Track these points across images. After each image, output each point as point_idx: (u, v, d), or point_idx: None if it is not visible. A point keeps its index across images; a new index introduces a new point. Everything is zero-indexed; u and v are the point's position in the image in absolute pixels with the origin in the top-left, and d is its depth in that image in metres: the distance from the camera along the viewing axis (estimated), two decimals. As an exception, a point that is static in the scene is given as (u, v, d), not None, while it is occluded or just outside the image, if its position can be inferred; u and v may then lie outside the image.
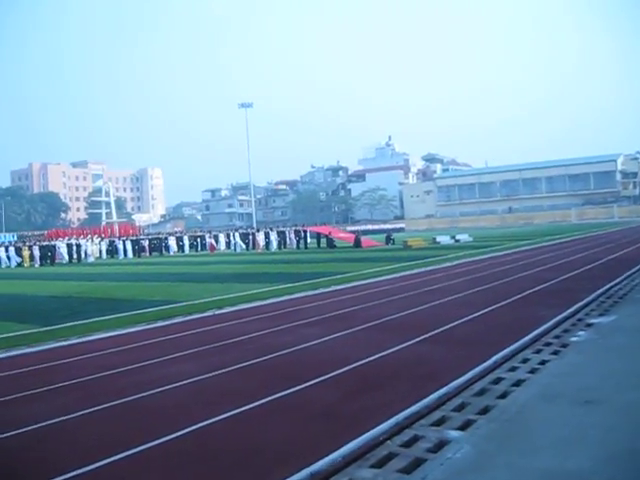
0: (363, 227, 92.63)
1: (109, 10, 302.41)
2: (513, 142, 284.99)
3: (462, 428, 5.28)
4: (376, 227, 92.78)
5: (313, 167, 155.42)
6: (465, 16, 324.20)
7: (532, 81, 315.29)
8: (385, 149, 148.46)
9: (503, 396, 6.09)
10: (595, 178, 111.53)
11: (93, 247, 52.11)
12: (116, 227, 73.27)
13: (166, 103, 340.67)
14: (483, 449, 4.76)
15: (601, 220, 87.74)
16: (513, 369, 7.11)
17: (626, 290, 12.88)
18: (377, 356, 8.28)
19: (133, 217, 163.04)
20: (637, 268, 17.09)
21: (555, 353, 7.72)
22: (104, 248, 53.46)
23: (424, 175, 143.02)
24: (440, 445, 4.96)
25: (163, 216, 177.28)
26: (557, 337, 8.69)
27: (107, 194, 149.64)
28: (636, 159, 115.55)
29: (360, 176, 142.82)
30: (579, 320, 9.83)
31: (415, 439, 5.14)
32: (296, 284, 18.82)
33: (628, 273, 15.92)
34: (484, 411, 5.69)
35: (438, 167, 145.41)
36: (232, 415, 6.12)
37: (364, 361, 8.04)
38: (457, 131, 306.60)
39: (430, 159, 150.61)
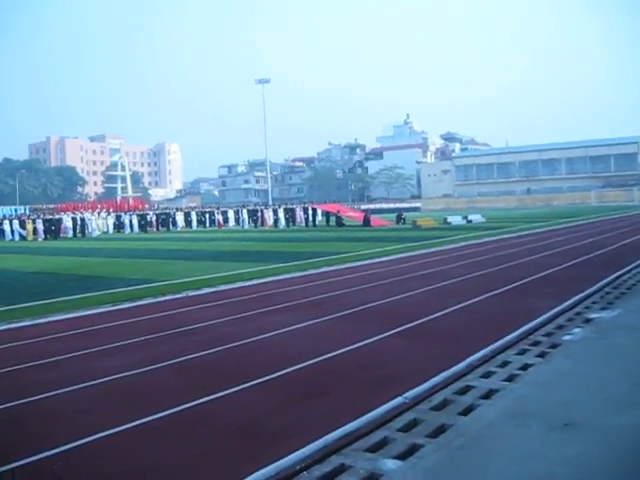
0: (378, 205, 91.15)
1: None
2: (534, 122, 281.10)
3: (403, 457, 4.19)
4: (392, 206, 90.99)
5: (330, 144, 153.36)
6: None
7: (554, 60, 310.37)
8: (403, 127, 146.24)
9: (466, 412, 4.99)
10: (616, 160, 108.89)
11: (99, 221, 51.27)
12: (130, 201, 72.67)
13: (184, 78, 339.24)
14: (419, 491, 3.68)
15: (621, 203, 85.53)
16: (488, 375, 6.00)
17: (636, 280, 11.65)
18: (337, 352, 7.20)
19: (149, 192, 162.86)
20: (651, 254, 15.83)
21: (541, 355, 6.58)
22: (111, 222, 52.61)
23: (442, 154, 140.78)
24: (368, 481, 3.89)
25: (179, 191, 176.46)
26: (548, 335, 7.54)
27: (123, 168, 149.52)
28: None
29: (377, 154, 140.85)
30: (577, 314, 8.67)
31: (339, 470, 4.06)
32: (288, 264, 17.76)
33: (641, 260, 14.68)
34: (437, 432, 4.59)
35: (457, 146, 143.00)
36: (135, 426, 5.08)
37: (320, 358, 6.96)
38: (477, 110, 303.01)
39: (449, 138, 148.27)
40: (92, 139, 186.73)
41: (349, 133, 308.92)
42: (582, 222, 37.19)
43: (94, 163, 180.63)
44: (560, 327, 7.91)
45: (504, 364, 6.34)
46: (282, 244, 28.04)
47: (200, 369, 6.88)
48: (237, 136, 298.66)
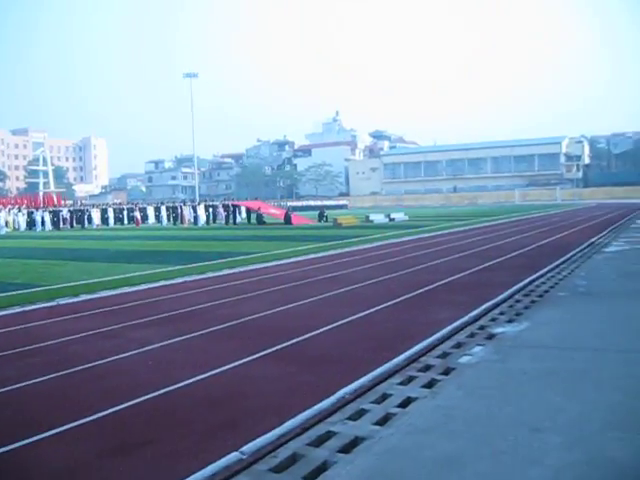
0: (305, 203, 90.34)
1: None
2: (462, 123, 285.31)
3: None
4: (319, 203, 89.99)
5: (259, 141, 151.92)
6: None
7: (483, 61, 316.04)
8: (332, 124, 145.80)
9: (314, 475, 3.81)
10: (540, 160, 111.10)
11: (9, 218, 48.62)
12: (53, 197, 69.49)
13: (112, 71, 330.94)
14: None
15: (544, 202, 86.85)
16: (359, 414, 4.82)
17: (549, 285, 10.75)
18: (190, 381, 5.92)
19: (74, 188, 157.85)
20: (568, 256, 15.09)
21: (430, 385, 5.47)
22: (22, 219, 49.90)
23: (371, 152, 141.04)
24: None
25: (105, 187, 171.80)
26: (444, 355, 6.45)
27: (45, 163, 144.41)
28: (580, 142, 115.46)
29: (306, 151, 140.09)
30: (481, 328, 7.62)
31: None
32: (188, 266, 16.37)
33: (557, 262, 13.88)
34: (267, 512, 3.39)
35: (385, 144, 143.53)
36: None
37: (165, 390, 5.68)
38: (406, 109, 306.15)
39: (378, 136, 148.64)
40: (14, 132, 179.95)
41: (278, 129, 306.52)
42: (503, 221, 36.89)
43: (16, 157, 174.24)
44: (459, 345, 6.83)
45: (383, 398, 5.19)
46: (193, 243, 26.57)
47: (12, 407, 5.51)
48: (165, 131, 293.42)
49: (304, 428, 4.59)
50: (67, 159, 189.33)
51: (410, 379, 5.67)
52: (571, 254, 15.55)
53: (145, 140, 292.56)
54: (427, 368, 6.00)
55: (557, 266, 13.36)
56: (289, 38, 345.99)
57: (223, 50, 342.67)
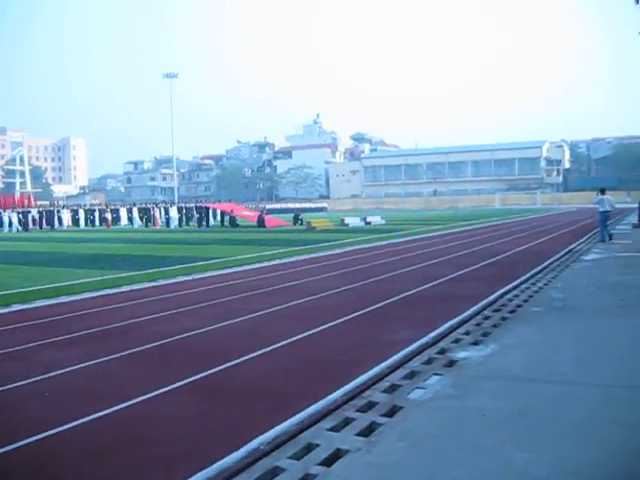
0: (284, 205, 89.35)
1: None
2: (443, 126, 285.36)
3: None
4: (297, 206, 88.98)
5: (239, 142, 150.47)
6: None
7: (464, 64, 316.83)
8: (313, 127, 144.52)
9: None
10: (520, 164, 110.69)
11: (-25, 219, 47.21)
12: (24, 198, 67.85)
13: (93, 71, 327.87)
14: None
15: (524, 206, 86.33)
16: (270, 475, 3.79)
17: (523, 298, 9.78)
18: (83, 420, 4.89)
19: (52, 188, 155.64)
20: (545, 265, 14.17)
21: (367, 431, 4.44)
22: (-10, 220, 48.45)
23: (352, 155, 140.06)
24: None
25: (83, 188, 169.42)
26: (392, 389, 5.43)
27: (22, 162, 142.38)
28: (561, 147, 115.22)
29: (286, 153, 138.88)
30: (441, 352, 6.61)
31: None
32: (141, 272, 15.27)
33: (533, 272, 12.95)
34: None
35: (366, 147, 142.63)
36: None
37: (50, 432, 4.63)
38: (387, 112, 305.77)
39: (359, 139, 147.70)
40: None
41: (259, 131, 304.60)
42: (482, 225, 36.03)
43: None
44: (412, 375, 5.82)
45: (306, 450, 4.16)
46: (158, 247, 25.36)
47: None
48: (146, 132, 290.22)
49: (195, 498, 3.55)
50: (46, 159, 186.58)
51: (345, 422, 4.65)
52: (548, 262, 14.64)
53: (125, 141, 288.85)
54: (369, 406, 4.98)
55: (533, 276, 12.43)
56: (271, 39, 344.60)
57: (205, 50, 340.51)
